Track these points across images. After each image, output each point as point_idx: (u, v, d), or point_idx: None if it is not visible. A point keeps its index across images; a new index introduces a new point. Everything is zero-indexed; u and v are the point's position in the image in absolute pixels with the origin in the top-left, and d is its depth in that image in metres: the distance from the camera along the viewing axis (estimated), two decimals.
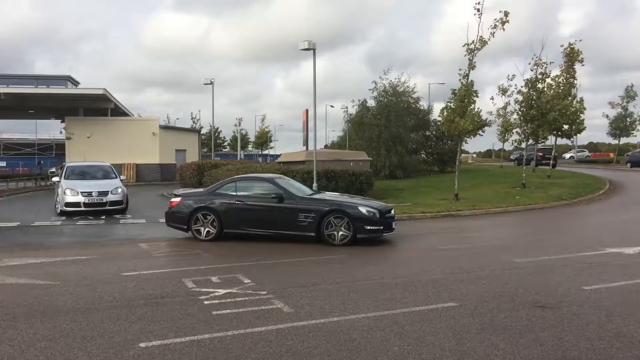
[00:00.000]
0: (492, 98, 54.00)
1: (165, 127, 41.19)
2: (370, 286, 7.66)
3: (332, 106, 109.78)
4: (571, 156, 66.33)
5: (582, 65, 28.28)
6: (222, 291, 7.27)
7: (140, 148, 36.26)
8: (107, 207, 17.32)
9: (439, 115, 23.77)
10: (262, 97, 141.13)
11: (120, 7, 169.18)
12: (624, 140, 55.02)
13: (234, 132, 75.26)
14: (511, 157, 56.42)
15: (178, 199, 12.48)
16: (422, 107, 38.32)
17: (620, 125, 49.40)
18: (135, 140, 36.27)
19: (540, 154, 30.86)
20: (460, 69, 20.55)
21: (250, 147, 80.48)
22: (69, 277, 8.36)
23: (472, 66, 20.26)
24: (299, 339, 5.34)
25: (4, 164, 64.10)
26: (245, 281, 7.88)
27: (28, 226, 15.17)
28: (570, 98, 28.22)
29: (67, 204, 17.16)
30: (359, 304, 6.61)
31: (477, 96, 20.68)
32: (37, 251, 10.98)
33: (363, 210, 11.43)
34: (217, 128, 74.80)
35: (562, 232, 14.59)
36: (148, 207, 19.62)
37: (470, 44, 20.00)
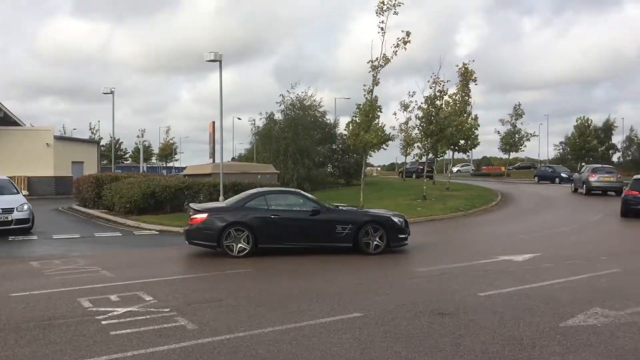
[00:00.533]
0: (395, 113, 56.41)
1: (61, 138, 38.97)
2: (277, 299, 7.64)
3: (239, 118, 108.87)
4: (458, 170, 70.83)
5: (476, 84, 30.40)
6: (121, 310, 6.93)
7: (32, 160, 33.90)
8: (12, 226, 15.54)
9: (345, 129, 24.42)
10: (167, 108, 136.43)
11: (11, 10, 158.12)
12: (513, 154, 59.51)
13: (136, 143, 72.87)
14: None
15: (204, 215, 11.62)
16: (328, 121, 39.11)
17: (510, 141, 53.49)
18: (27, 152, 33.90)
19: (421, 167, 32.95)
20: (365, 85, 21.26)
21: (154, 159, 78.10)
22: None
23: (376, 82, 20.98)
24: (203, 356, 5.21)
25: None
26: (147, 299, 7.57)
27: None
28: (465, 115, 30.06)
29: None
30: (266, 317, 6.56)
31: (381, 111, 21.58)
32: None
33: (396, 220, 12.14)
34: (118, 139, 71.96)
35: (459, 241, 15.36)
36: (41, 222, 18.33)
37: (375, 60, 20.74)
